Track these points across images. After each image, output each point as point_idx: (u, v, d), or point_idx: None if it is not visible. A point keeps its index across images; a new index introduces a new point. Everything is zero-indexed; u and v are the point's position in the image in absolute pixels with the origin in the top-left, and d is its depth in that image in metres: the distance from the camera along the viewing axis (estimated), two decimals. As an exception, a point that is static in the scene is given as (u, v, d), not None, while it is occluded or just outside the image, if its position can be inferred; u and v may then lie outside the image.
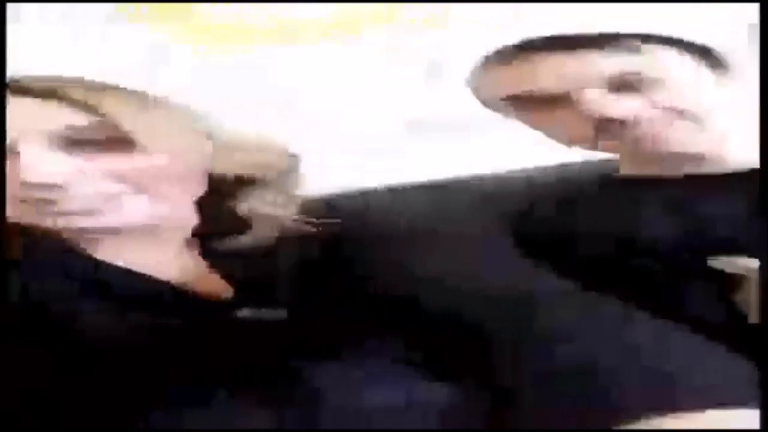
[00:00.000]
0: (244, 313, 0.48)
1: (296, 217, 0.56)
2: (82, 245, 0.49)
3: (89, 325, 0.44)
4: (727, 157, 0.66)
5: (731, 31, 0.64)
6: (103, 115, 0.44)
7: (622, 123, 0.62)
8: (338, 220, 0.56)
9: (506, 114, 0.71)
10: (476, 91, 0.72)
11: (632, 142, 0.64)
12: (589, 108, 0.62)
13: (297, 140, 0.57)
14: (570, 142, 0.68)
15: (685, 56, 0.63)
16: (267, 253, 0.54)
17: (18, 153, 0.43)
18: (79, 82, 0.46)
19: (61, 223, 0.45)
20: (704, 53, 0.63)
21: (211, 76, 0.96)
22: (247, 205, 0.54)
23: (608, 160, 0.75)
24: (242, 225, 0.54)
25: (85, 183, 0.44)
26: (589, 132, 0.64)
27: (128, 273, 0.49)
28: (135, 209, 0.46)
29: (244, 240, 0.54)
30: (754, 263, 0.56)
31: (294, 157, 0.56)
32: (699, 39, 0.63)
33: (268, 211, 0.54)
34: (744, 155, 0.65)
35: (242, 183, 0.54)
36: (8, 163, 0.44)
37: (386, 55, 1.02)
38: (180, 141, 0.48)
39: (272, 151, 0.55)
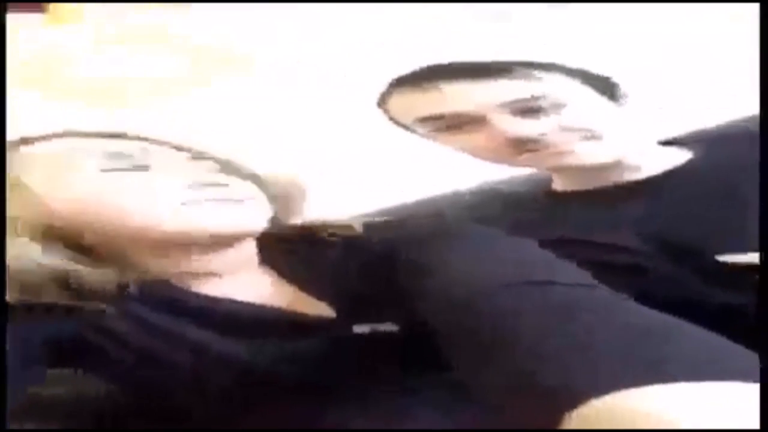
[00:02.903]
0: (361, 328, 0.52)
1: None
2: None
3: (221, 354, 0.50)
4: (641, 166, 0.75)
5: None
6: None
7: (531, 141, 0.68)
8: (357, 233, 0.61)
9: (420, 134, 0.76)
10: (387, 112, 0.76)
11: (544, 158, 0.71)
12: (499, 129, 0.68)
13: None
14: (489, 159, 0.74)
15: (583, 84, 0.70)
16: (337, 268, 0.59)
17: None
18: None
19: None
20: (599, 80, 0.72)
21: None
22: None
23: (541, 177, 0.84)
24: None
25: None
26: (503, 150, 0.70)
27: (248, 305, 0.55)
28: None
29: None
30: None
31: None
32: (597, 69, 0.72)
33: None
34: (654, 162, 0.75)
35: None
36: None
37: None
38: None
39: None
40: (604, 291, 0.43)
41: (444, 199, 0.92)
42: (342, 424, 0.48)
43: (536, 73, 0.68)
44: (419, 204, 0.91)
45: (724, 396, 0.29)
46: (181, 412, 0.51)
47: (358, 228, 0.62)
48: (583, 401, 0.30)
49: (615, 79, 0.72)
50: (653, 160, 0.75)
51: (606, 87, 0.72)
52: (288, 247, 0.60)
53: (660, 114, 1.04)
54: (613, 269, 0.47)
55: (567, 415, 0.30)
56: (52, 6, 1.88)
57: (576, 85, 0.70)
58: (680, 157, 0.76)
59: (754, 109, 0.83)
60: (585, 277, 0.45)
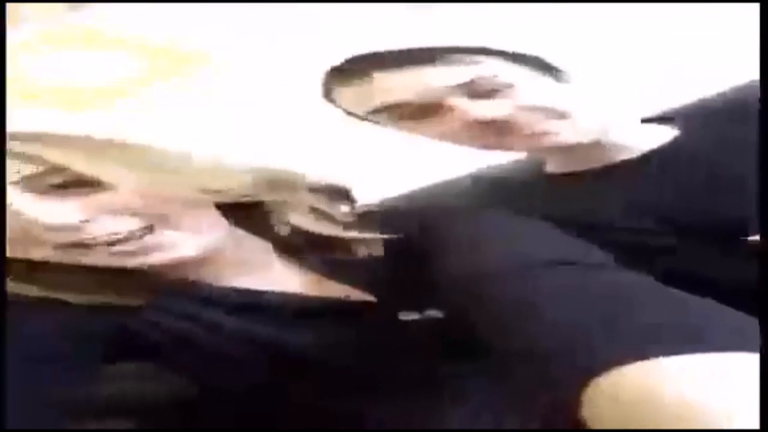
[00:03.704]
0: (408, 315, 0.53)
1: (353, 235, 0.59)
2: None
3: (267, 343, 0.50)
4: (627, 144, 0.76)
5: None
6: (47, 163, 0.45)
7: (500, 123, 0.67)
8: (386, 236, 0.59)
9: (379, 123, 0.74)
10: (336, 104, 0.74)
11: (522, 140, 0.69)
12: (463, 111, 0.66)
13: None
14: (463, 143, 0.72)
15: (516, 65, 0.69)
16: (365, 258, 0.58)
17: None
18: (11, 135, 0.46)
19: (131, 263, 0.47)
20: (530, 62, 0.70)
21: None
22: (290, 226, 0.57)
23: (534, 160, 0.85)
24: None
25: (100, 220, 0.45)
26: (469, 133, 0.69)
27: (284, 294, 0.55)
28: (175, 243, 0.48)
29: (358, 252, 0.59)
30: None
31: (299, 176, 0.58)
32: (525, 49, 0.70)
33: (313, 229, 0.58)
34: (640, 141, 0.76)
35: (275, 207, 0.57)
36: None
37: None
38: (139, 173, 0.47)
39: (252, 172, 0.55)
40: (620, 270, 0.45)
41: (438, 187, 0.92)
42: (384, 410, 0.49)
43: (472, 57, 0.67)
44: (417, 194, 0.92)
45: (742, 368, 0.30)
46: (225, 399, 0.51)
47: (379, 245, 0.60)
48: (604, 372, 0.32)
49: (549, 59, 0.72)
50: (639, 139, 0.76)
51: (546, 69, 0.71)
52: (312, 243, 0.59)
53: (638, 93, 1.06)
54: (618, 249, 0.48)
55: (588, 387, 0.32)
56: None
57: (515, 68, 0.69)
58: (666, 134, 0.77)
59: (732, 81, 0.85)
60: (603, 257, 0.47)
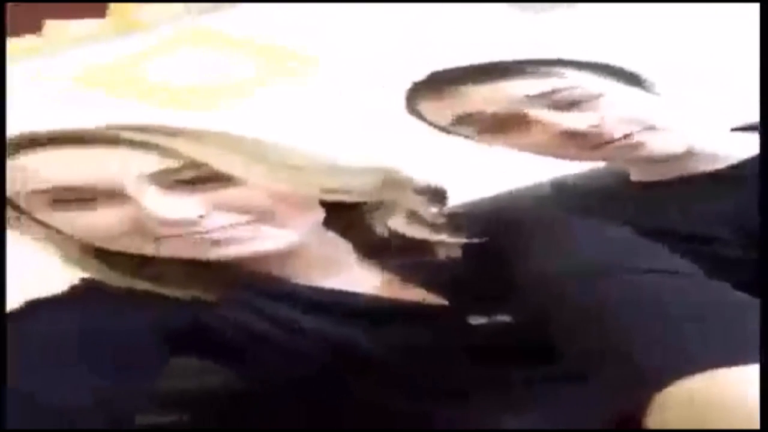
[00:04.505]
0: (477, 320, 0.53)
1: (439, 238, 0.59)
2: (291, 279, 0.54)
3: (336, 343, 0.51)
4: (716, 153, 0.74)
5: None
6: (187, 158, 0.45)
7: (581, 134, 0.67)
8: (475, 239, 0.59)
9: (462, 136, 0.75)
10: (421, 117, 0.76)
11: (616, 151, 0.69)
12: (547, 125, 0.67)
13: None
14: (540, 154, 0.73)
15: (600, 76, 0.70)
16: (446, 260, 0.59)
17: (126, 195, 0.45)
18: (151, 129, 0.47)
19: (213, 254, 0.48)
20: (615, 72, 0.70)
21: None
22: (387, 228, 0.57)
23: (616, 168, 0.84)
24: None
25: (213, 215, 0.46)
26: (553, 144, 0.69)
27: (351, 294, 0.55)
28: (269, 236, 0.48)
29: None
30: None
31: (403, 178, 0.58)
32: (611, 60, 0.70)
33: (408, 232, 0.58)
34: (731, 150, 0.75)
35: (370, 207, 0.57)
36: (116, 206, 0.45)
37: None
38: (269, 170, 0.48)
39: (370, 172, 0.55)
40: (702, 278, 0.45)
41: (520, 192, 0.94)
42: (453, 412, 0.50)
43: (555, 69, 0.68)
44: (498, 198, 0.93)
45: None
46: (292, 397, 0.52)
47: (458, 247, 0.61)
48: (697, 374, 0.32)
49: (634, 69, 0.72)
50: (729, 148, 0.75)
51: (631, 79, 0.71)
52: (390, 244, 0.60)
53: (729, 101, 1.02)
54: (704, 259, 0.48)
55: (659, 393, 0.33)
56: (110, 10, 1.96)
57: (599, 79, 0.69)
58: (757, 143, 0.75)
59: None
60: (683, 265, 0.47)
